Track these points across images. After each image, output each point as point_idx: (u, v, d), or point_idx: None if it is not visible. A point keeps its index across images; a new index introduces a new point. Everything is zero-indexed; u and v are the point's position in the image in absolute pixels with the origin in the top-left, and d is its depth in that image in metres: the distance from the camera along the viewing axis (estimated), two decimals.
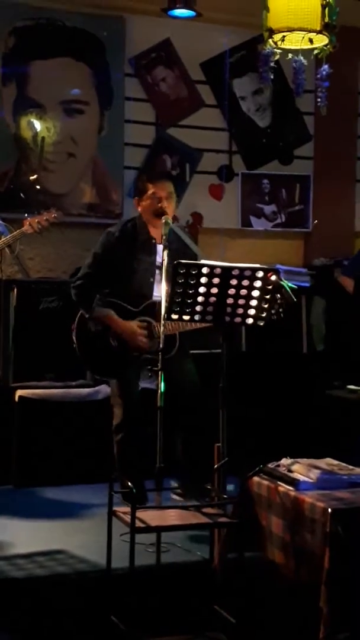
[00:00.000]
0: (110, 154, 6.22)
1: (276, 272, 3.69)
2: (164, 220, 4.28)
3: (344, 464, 3.57)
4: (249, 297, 3.62)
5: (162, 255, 4.10)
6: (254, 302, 3.63)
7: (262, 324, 3.67)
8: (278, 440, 5.10)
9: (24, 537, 4.21)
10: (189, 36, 6.38)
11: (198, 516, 3.43)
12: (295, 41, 3.85)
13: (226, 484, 3.63)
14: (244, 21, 6.09)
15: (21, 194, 5.95)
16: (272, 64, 3.94)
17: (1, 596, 3.56)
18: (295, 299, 3.81)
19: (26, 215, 4.98)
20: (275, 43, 3.86)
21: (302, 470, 3.43)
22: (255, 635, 3.37)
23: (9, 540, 4.13)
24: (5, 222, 5.11)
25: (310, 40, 3.85)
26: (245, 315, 3.66)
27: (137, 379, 4.54)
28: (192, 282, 3.55)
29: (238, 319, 3.67)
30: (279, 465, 3.54)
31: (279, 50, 3.89)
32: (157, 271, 4.46)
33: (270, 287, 3.61)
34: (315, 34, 3.82)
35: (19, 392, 5.28)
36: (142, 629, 3.34)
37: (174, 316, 3.61)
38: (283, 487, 3.36)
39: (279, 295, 3.68)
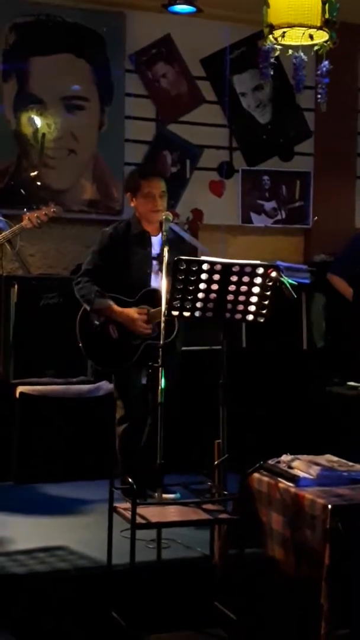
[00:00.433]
0: (110, 150, 6.22)
1: (276, 268, 3.70)
2: (163, 217, 4.29)
3: (344, 461, 3.57)
4: (249, 293, 3.63)
5: (160, 248, 4.13)
6: (254, 299, 3.64)
7: (262, 320, 3.68)
8: (278, 436, 5.11)
9: (24, 533, 4.21)
10: (189, 32, 6.37)
11: (198, 512, 3.44)
12: (295, 37, 3.85)
13: (226, 481, 3.65)
14: (244, 17, 6.08)
15: (21, 190, 5.95)
16: (272, 60, 3.94)
17: (2, 592, 3.56)
18: (295, 296, 3.81)
19: (25, 210, 4.98)
20: (276, 39, 3.86)
21: (302, 466, 3.43)
22: (256, 631, 3.37)
23: (10, 536, 4.13)
24: (5, 218, 5.10)
25: (311, 37, 3.85)
26: (246, 312, 3.67)
27: (139, 374, 4.57)
28: (192, 278, 3.56)
29: (238, 315, 3.68)
30: (279, 462, 3.54)
31: (279, 47, 3.89)
32: (154, 262, 4.53)
33: (270, 283, 3.62)
34: (315, 30, 3.82)
35: (19, 389, 5.29)
36: (142, 625, 3.35)
37: (175, 312, 3.62)
38: (283, 483, 3.36)
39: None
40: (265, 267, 3.63)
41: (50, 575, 3.67)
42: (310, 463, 3.45)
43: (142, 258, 4.55)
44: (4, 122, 5.96)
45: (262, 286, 3.63)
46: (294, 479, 3.34)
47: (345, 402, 5.41)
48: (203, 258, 3.66)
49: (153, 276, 4.53)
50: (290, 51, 3.93)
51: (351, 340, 5.62)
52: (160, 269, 4.14)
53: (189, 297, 3.59)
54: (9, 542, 4.06)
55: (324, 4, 3.77)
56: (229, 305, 3.64)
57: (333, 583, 2.98)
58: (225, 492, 3.60)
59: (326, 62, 3.94)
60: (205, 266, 3.57)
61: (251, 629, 3.36)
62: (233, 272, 3.60)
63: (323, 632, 2.97)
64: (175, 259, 3.59)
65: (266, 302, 3.64)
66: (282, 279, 3.78)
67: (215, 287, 3.59)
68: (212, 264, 3.57)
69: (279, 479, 3.40)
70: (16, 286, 5.41)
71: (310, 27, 3.79)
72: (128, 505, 3.26)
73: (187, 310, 3.62)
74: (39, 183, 6.01)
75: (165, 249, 4.03)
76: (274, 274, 3.64)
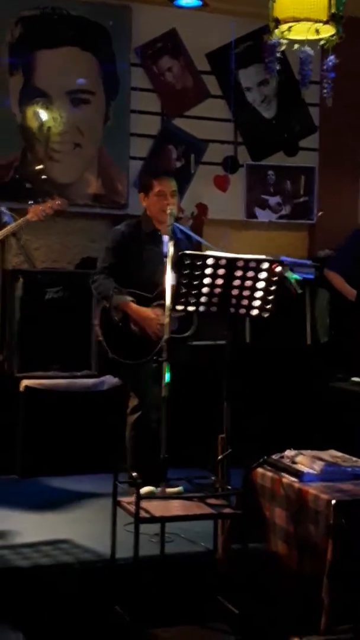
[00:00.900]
0: (115, 144, 6.21)
1: (281, 263, 3.70)
2: (168, 211, 4.32)
3: (347, 456, 3.58)
4: (253, 288, 3.63)
5: (167, 245, 4.14)
6: (258, 294, 3.64)
7: (266, 315, 3.68)
8: (282, 432, 5.10)
9: (28, 526, 4.22)
10: (195, 26, 6.35)
11: (202, 507, 3.45)
12: (301, 32, 3.83)
13: (230, 476, 3.65)
14: (250, 11, 6.05)
15: (27, 184, 5.95)
16: (278, 55, 3.92)
17: (6, 585, 3.57)
18: (300, 291, 3.81)
19: (30, 202, 4.98)
20: (282, 33, 3.84)
21: (305, 461, 3.44)
22: (258, 625, 3.38)
23: (14, 530, 4.15)
24: (11, 212, 5.10)
25: (317, 31, 3.82)
26: (250, 307, 3.67)
27: (152, 365, 4.59)
28: (197, 272, 3.57)
29: (243, 310, 3.68)
30: (282, 457, 3.55)
31: (285, 41, 3.87)
32: (166, 260, 4.52)
33: (275, 278, 3.62)
34: (321, 24, 3.79)
35: (24, 382, 5.29)
36: (146, 619, 3.36)
37: (179, 307, 3.63)
38: (287, 478, 3.37)
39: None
40: (270, 262, 3.63)
41: (54, 569, 3.68)
42: (314, 458, 3.45)
43: (153, 256, 4.58)
44: (10, 116, 5.96)
45: (267, 281, 3.63)
46: (298, 474, 3.35)
47: (349, 398, 5.41)
48: (208, 252, 3.66)
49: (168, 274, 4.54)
50: (296, 45, 3.92)
51: (355, 335, 5.61)
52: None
53: (194, 292, 3.59)
54: (13, 535, 4.08)
55: None
56: (234, 300, 3.65)
57: (335, 578, 2.99)
58: (229, 487, 3.60)
59: (332, 57, 3.92)
60: (210, 261, 3.57)
61: (254, 623, 3.37)
62: (238, 267, 3.60)
63: (324, 627, 2.98)
64: (180, 253, 3.60)
65: (271, 297, 3.65)
66: (286, 274, 3.78)
67: (219, 281, 3.60)
68: (216, 258, 3.58)
69: (283, 474, 3.41)
70: (21, 280, 5.42)
71: (316, 21, 3.77)
72: (132, 499, 3.26)
73: (191, 305, 3.63)
74: (44, 177, 6.01)
75: (171, 244, 4.04)
76: (278, 269, 3.64)
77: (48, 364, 5.44)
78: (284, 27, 3.81)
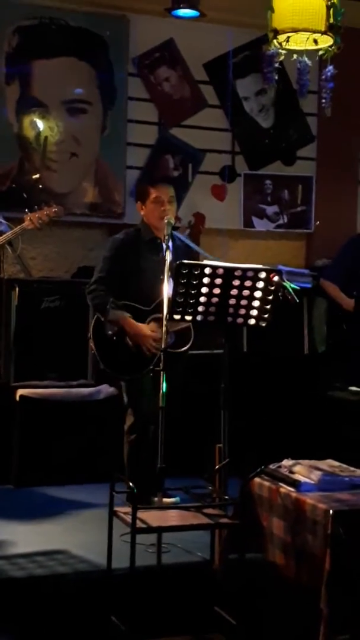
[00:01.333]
0: (112, 154, 6.21)
1: (279, 272, 3.70)
2: (166, 220, 4.32)
3: (345, 466, 3.57)
4: (251, 297, 3.63)
5: (164, 252, 4.12)
6: (256, 303, 3.64)
7: (264, 324, 3.68)
8: (279, 441, 5.09)
9: (24, 536, 4.21)
10: (192, 36, 6.37)
11: (199, 517, 3.43)
12: (299, 42, 3.85)
13: (227, 485, 3.64)
14: (247, 21, 6.08)
15: (23, 193, 5.95)
16: (276, 65, 3.93)
17: (1, 596, 3.55)
18: (298, 300, 3.81)
19: (26, 210, 4.97)
20: (280, 44, 3.85)
21: (303, 471, 3.43)
22: (256, 636, 3.36)
23: (9, 540, 4.13)
24: (7, 222, 5.10)
25: (315, 41, 3.84)
26: (248, 316, 3.67)
27: (149, 378, 4.55)
28: (194, 282, 3.56)
29: (240, 320, 3.68)
30: (280, 467, 3.54)
31: (283, 51, 3.88)
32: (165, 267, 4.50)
33: (272, 288, 3.62)
34: (320, 34, 3.81)
35: (20, 392, 5.28)
36: (142, 630, 3.34)
37: (176, 316, 3.63)
38: (284, 488, 3.35)
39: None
40: (268, 272, 3.63)
41: (49, 579, 3.67)
42: (312, 468, 3.44)
43: (153, 265, 4.50)
44: (7, 125, 5.96)
45: (264, 290, 3.63)
46: (295, 484, 3.33)
47: (347, 407, 5.40)
48: (205, 262, 3.66)
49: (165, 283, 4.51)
50: (294, 56, 3.93)
51: (352, 344, 5.61)
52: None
53: (191, 301, 3.59)
54: (8, 545, 4.06)
55: (328, 8, 3.76)
56: (231, 310, 3.64)
57: (333, 588, 2.98)
58: (226, 497, 3.59)
59: (331, 67, 3.93)
60: (207, 270, 3.57)
61: (251, 634, 3.35)
62: (235, 276, 3.60)
63: (322, 637, 2.96)
64: (178, 262, 3.59)
65: (268, 307, 3.64)
66: (284, 284, 3.78)
67: (217, 291, 3.59)
68: (214, 268, 3.58)
69: (280, 483, 3.40)
70: (17, 289, 5.41)
71: (314, 31, 3.79)
72: (128, 509, 3.25)
73: (189, 314, 3.62)
74: (40, 186, 6.01)
75: (168, 253, 4.03)
76: (276, 279, 3.64)
77: (44, 373, 5.43)
78: (283, 37, 3.83)
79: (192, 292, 3.58)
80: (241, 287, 3.61)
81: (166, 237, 4.20)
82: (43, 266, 6.11)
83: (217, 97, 6.53)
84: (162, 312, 4.11)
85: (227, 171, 6.56)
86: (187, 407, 4.74)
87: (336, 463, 3.60)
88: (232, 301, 3.63)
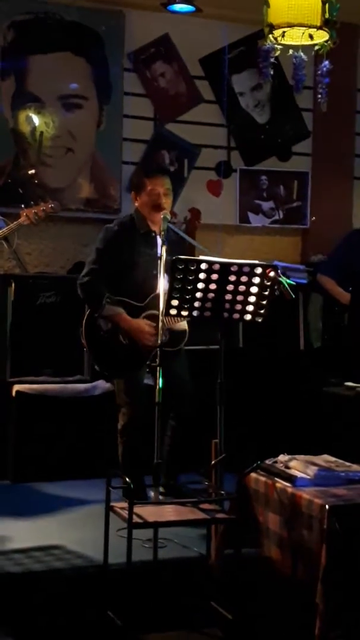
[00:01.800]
0: (108, 149, 6.21)
1: (275, 268, 3.70)
2: (162, 216, 4.26)
3: (341, 461, 3.57)
4: (247, 293, 3.63)
5: (160, 248, 4.09)
6: (252, 298, 3.64)
7: (260, 320, 3.68)
8: (275, 436, 5.10)
9: (20, 532, 4.20)
10: (188, 31, 6.36)
11: (195, 512, 3.43)
12: (295, 37, 3.85)
13: (223, 480, 3.64)
14: (243, 17, 6.07)
15: (19, 189, 5.94)
16: (272, 60, 3.93)
17: None
18: (294, 296, 3.81)
19: (22, 206, 4.96)
20: (276, 39, 3.85)
21: (299, 466, 3.43)
22: (252, 631, 3.37)
23: (6, 535, 4.12)
24: (3, 217, 5.10)
25: (311, 36, 3.84)
26: (244, 311, 3.67)
27: (142, 376, 4.51)
28: (190, 277, 3.56)
29: (236, 315, 3.68)
30: (276, 462, 3.54)
31: (279, 46, 3.88)
32: (160, 263, 4.44)
33: (268, 283, 3.62)
34: (315, 29, 3.81)
35: (16, 387, 5.28)
36: (138, 625, 3.35)
37: (172, 311, 3.62)
38: (280, 483, 3.36)
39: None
40: (264, 267, 3.63)
41: (46, 574, 3.67)
42: (308, 463, 3.44)
43: (147, 259, 4.39)
44: (2, 121, 5.95)
45: (261, 286, 3.63)
46: (291, 479, 3.34)
47: (342, 403, 5.40)
48: (201, 257, 3.66)
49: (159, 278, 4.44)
50: (290, 51, 3.92)
51: (348, 340, 5.61)
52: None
53: (187, 297, 3.59)
54: (5, 541, 4.06)
55: (324, 3, 3.77)
56: (227, 305, 3.64)
57: (329, 583, 2.98)
58: (222, 492, 3.59)
59: (326, 62, 3.93)
60: (203, 265, 3.56)
61: (247, 629, 3.36)
62: (231, 272, 3.59)
63: (318, 632, 2.97)
64: (174, 258, 3.58)
65: (264, 302, 3.65)
66: (280, 279, 3.78)
67: (213, 286, 3.59)
68: (210, 263, 3.57)
69: (276, 479, 3.40)
70: (13, 285, 5.40)
71: (310, 26, 3.79)
72: (125, 504, 3.25)
73: (185, 310, 3.62)
74: (36, 181, 6.00)
75: (164, 248, 3.99)
76: (272, 274, 3.64)
77: (40, 369, 5.42)
78: (278, 32, 3.83)
79: (188, 287, 3.57)
80: (237, 283, 3.61)
81: (162, 233, 4.12)
82: (39, 262, 6.11)
83: (212, 93, 6.52)
84: (156, 308, 4.05)
85: (222, 167, 6.55)
86: None
87: (332, 458, 3.60)
88: (228, 297, 3.62)
